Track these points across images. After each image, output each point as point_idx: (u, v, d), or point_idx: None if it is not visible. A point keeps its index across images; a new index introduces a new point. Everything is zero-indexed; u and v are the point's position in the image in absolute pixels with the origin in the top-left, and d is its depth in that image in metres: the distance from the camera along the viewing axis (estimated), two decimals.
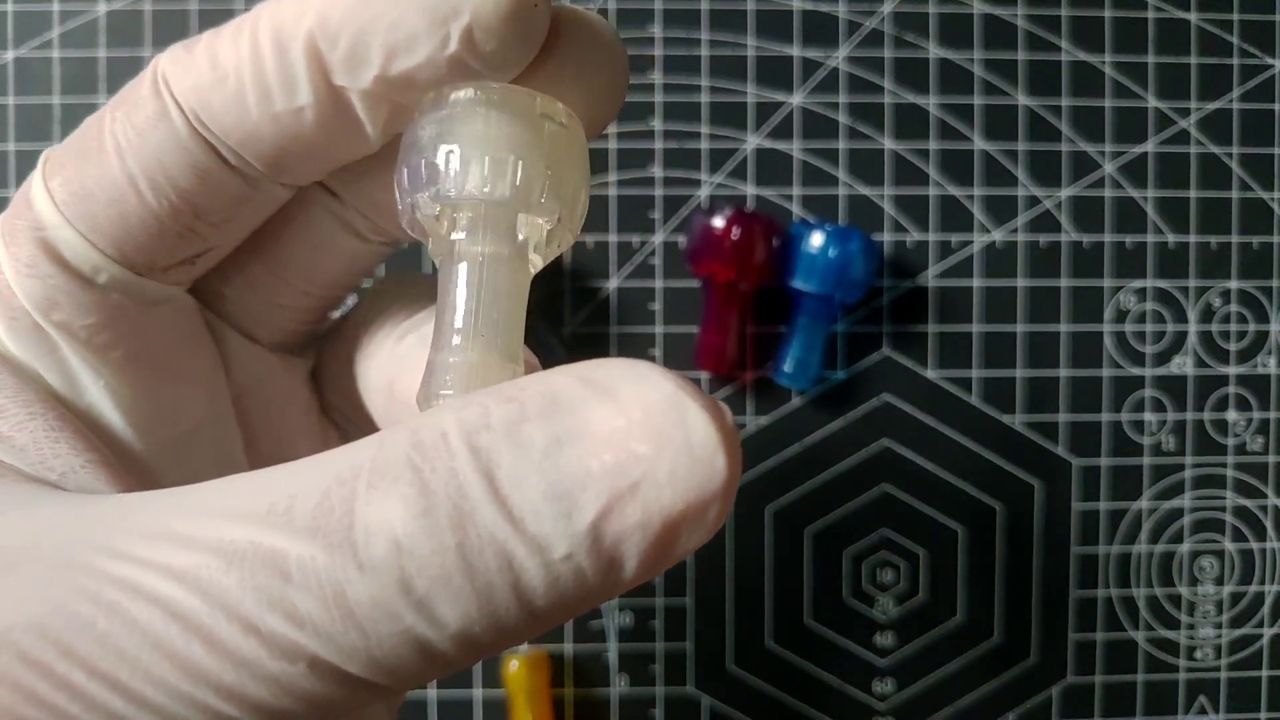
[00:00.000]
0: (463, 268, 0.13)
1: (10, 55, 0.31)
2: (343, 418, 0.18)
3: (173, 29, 0.31)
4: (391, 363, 0.15)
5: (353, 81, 0.13)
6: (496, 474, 0.10)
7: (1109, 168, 0.32)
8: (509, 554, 0.10)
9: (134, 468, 0.15)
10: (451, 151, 0.13)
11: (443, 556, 0.10)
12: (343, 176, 0.16)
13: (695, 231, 0.29)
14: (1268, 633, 0.32)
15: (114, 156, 0.14)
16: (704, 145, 0.31)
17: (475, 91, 0.13)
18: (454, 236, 0.13)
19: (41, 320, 0.14)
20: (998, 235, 0.32)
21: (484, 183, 0.13)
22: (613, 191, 0.31)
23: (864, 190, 0.31)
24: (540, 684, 0.30)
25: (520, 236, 0.13)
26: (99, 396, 0.15)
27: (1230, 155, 0.32)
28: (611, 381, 0.11)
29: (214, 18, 0.31)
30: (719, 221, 0.29)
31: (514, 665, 0.30)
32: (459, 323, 0.13)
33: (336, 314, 0.18)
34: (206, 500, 0.11)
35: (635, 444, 0.10)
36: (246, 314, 0.17)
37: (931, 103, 0.31)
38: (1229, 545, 0.32)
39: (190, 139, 0.14)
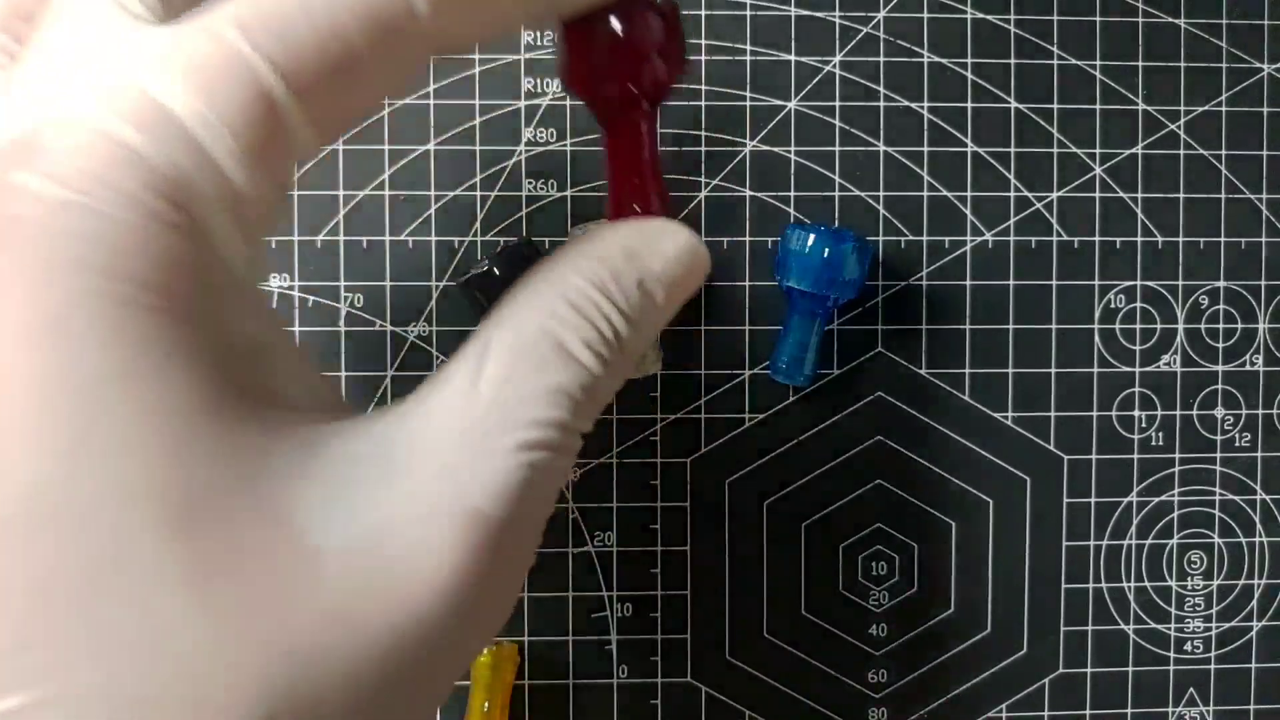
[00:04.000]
0: None
1: None
2: None
3: None
4: None
5: None
6: None
7: (1099, 170, 0.32)
8: None
9: None
10: None
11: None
12: None
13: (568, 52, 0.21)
14: (1257, 626, 0.33)
15: None
16: (703, 148, 0.32)
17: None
18: None
19: None
20: (989, 236, 0.32)
21: None
22: None
23: (859, 193, 0.32)
24: (501, 677, 0.30)
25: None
26: None
27: (1219, 157, 0.32)
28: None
29: None
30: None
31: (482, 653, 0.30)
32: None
33: None
34: None
35: None
36: None
37: (925, 107, 0.32)
38: (1218, 539, 0.33)
39: None
